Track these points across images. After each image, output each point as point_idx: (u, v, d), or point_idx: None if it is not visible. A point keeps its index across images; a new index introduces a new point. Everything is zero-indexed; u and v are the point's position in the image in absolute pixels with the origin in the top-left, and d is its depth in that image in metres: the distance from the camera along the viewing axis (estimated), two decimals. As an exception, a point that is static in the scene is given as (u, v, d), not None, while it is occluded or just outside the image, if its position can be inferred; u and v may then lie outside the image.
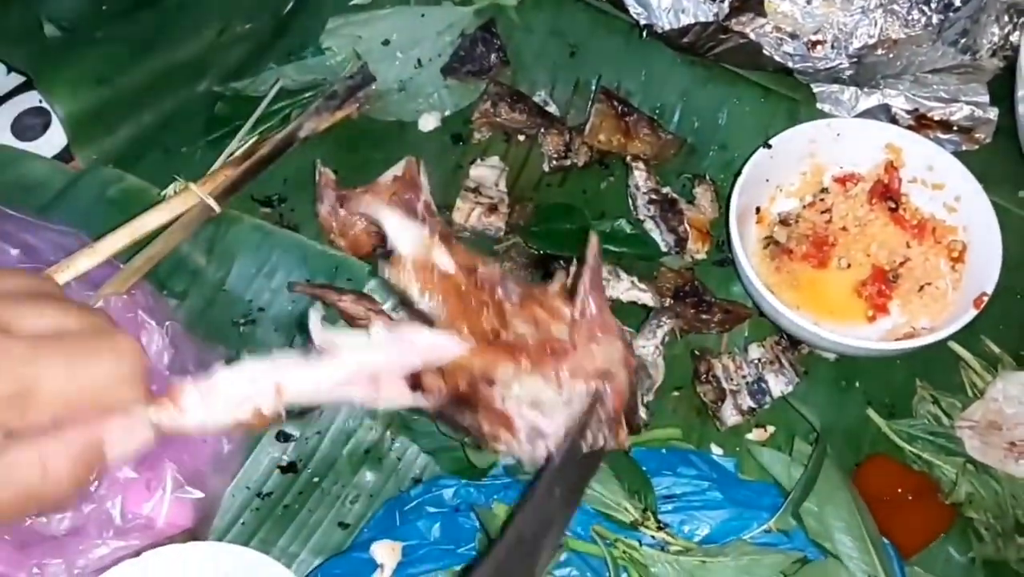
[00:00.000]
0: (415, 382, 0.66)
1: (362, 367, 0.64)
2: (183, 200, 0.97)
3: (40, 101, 1.08)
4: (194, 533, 0.82)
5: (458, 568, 0.82)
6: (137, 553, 0.75)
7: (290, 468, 0.90)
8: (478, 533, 0.84)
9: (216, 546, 0.80)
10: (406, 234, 0.69)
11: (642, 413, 0.91)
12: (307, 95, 1.10)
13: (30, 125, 1.07)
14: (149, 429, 0.56)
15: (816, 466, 0.85)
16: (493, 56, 1.11)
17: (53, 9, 1.12)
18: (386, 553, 0.82)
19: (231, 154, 1.04)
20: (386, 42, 1.12)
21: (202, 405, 0.58)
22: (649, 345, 0.95)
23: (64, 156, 1.06)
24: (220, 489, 0.86)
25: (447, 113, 1.11)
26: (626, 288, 0.97)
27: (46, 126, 1.07)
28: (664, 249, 1.01)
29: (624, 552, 0.82)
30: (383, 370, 0.65)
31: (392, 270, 0.68)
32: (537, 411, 0.68)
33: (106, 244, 0.93)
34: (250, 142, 1.06)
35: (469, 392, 0.67)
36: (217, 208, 0.98)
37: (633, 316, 0.97)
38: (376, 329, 0.64)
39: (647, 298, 0.97)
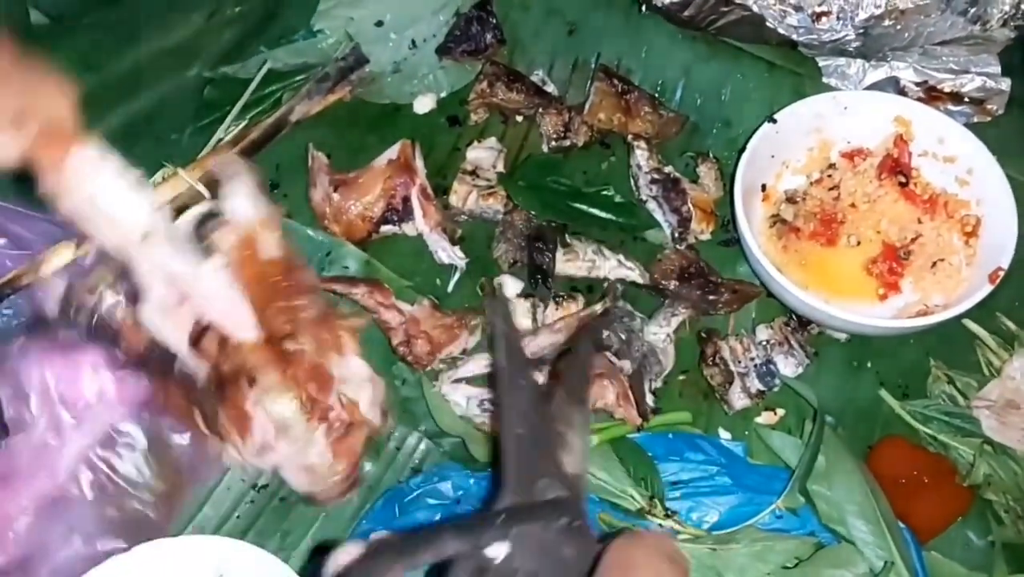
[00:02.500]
0: (197, 336, 0.67)
1: (177, 276, 0.66)
2: (172, 187, 0.95)
3: (29, 89, 1.06)
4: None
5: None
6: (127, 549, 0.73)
7: (286, 459, 0.87)
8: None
9: (212, 539, 0.78)
10: (251, 204, 0.70)
11: (650, 400, 0.88)
12: (298, 78, 1.08)
13: (18, 114, 1.05)
14: None
15: (817, 441, 0.83)
16: (489, 35, 1.08)
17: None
18: (385, 545, 0.80)
19: (221, 139, 1.01)
20: (379, 23, 1.09)
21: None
22: (661, 332, 0.92)
23: (53, 145, 1.03)
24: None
25: (443, 95, 1.08)
26: (613, 267, 0.95)
27: (34, 115, 1.05)
28: (667, 230, 0.99)
29: (631, 540, 0.79)
30: (183, 294, 0.66)
31: (219, 231, 0.69)
32: (279, 433, 0.69)
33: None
34: (240, 127, 1.04)
35: (229, 378, 0.67)
36: (207, 194, 0.95)
37: (644, 303, 0.94)
38: (213, 263, 0.66)
39: (635, 276, 0.95)
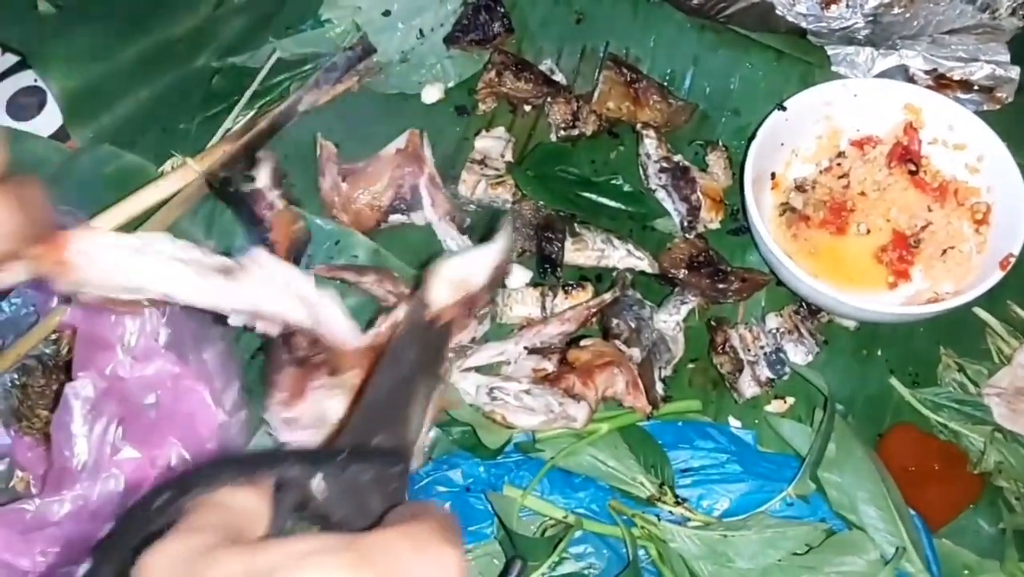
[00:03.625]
0: (287, 337, 0.68)
1: (252, 294, 0.64)
2: (181, 176, 0.95)
3: (35, 80, 1.06)
4: None
5: (468, 546, 0.80)
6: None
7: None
8: (493, 516, 0.81)
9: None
10: None
11: (659, 388, 0.88)
12: (306, 68, 1.08)
13: (26, 104, 1.05)
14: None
15: (828, 428, 0.83)
16: (497, 24, 1.08)
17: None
18: (394, 533, 0.80)
19: (229, 129, 1.01)
20: (387, 12, 1.09)
21: (89, 261, 0.58)
22: (671, 321, 0.92)
23: (60, 135, 1.03)
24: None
25: (451, 84, 1.08)
26: (622, 256, 0.95)
27: (42, 105, 1.05)
28: (676, 219, 0.99)
29: (643, 528, 0.79)
30: (267, 308, 0.65)
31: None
32: (316, 423, 0.71)
33: (102, 222, 0.91)
34: (249, 116, 1.04)
35: (312, 360, 0.69)
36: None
37: (654, 291, 0.94)
38: (306, 281, 0.66)
39: (644, 265, 0.94)
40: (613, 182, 1.00)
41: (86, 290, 0.60)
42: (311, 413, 0.70)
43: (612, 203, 1.00)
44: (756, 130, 0.95)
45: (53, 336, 0.88)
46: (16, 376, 0.88)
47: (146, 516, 0.40)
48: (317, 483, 0.44)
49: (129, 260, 0.61)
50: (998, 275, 0.87)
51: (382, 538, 0.37)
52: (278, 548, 0.36)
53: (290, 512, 0.42)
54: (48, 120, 1.04)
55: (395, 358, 0.58)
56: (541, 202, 0.98)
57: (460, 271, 0.64)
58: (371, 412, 0.54)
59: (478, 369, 0.89)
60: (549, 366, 0.88)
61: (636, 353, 0.88)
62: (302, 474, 0.43)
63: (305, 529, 0.41)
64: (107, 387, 0.79)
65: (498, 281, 0.68)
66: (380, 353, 0.67)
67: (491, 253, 0.66)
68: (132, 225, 0.92)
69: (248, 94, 1.04)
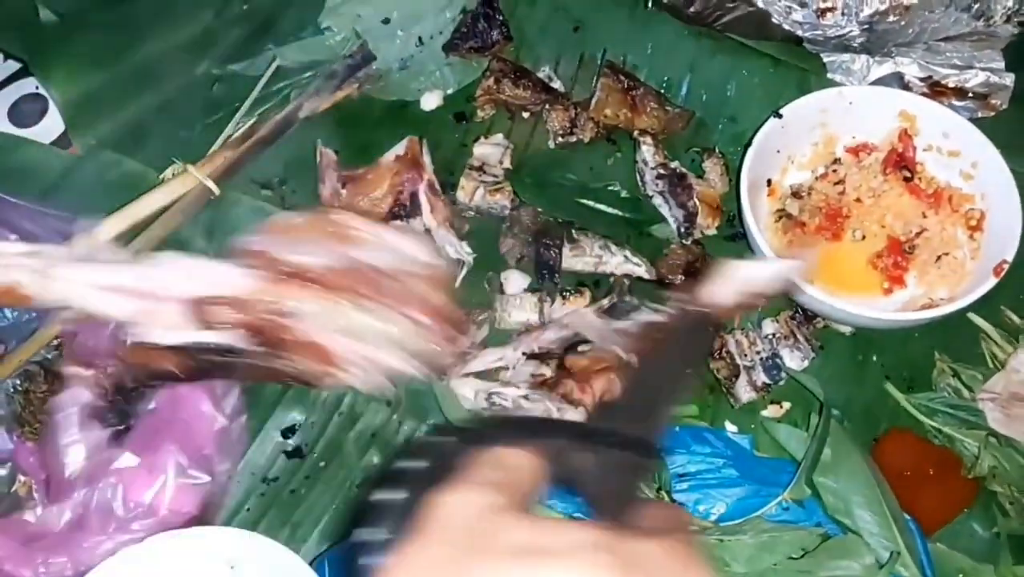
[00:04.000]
0: (201, 315, 0.68)
1: (137, 281, 0.67)
2: (182, 182, 0.96)
3: (37, 87, 1.07)
4: (200, 520, 0.80)
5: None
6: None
7: (296, 453, 0.88)
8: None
9: (224, 531, 0.78)
10: None
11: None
12: (306, 75, 1.08)
13: (27, 111, 1.06)
14: None
15: (823, 432, 0.83)
16: (496, 32, 1.08)
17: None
18: (395, 536, 0.81)
19: (230, 136, 1.02)
20: (386, 20, 1.10)
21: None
22: None
23: (62, 142, 1.04)
24: (227, 473, 0.85)
25: (449, 91, 1.09)
26: (619, 262, 0.96)
27: (43, 112, 1.06)
28: (673, 225, 0.99)
29: (639, 532, 0.80)
30: (159, 290, 0.67)
31: None
32: (352, 337, 0.70)
33: (104, 229, 0.91)
34: (249, 123, 1.04)
35: (267, 327, 0.68)
36: (216, 190, 0.96)
37: (652, 297, 0.94)
38: (163, 255, 0.67)
39: (641, 271, 0.95)
40: (610, 188, 1.01)
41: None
42: (340, 343, 0.72)
43: (609, 209, 1.01)
44: (752, 137, 0.96)
45: (55, 342, 0.89)
46: (19, 382, 0.88)
47: (431, 452, 0.42)
48: (582, 457, 0.45)
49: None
50: (992, 281, 0.88)
51: (648, 548, 0.38)
52: (556, 531, 0.37)
53: (553, 480, 0.43)
54: (50, 127, 1.05)
55: (670, 351, 0.59)
56: (539, 208, 0.99)
57: (749, 277, 0.63)
58: (640, 401, 0.54)
59: (477, 374, 0.89)
60: (547, 371, 0.89)
61: (634, 359, 0.89)
62: (570, 445, 0.45)
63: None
64: (103, 394, 0.79)
65: (776, 296, 0.69)
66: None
67: (784, 268, 0.68)
68: (133, 232, 0.93)
69: (249, 101, 1.05)
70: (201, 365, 0.73)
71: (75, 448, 0.78)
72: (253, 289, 0.69)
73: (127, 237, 0.92)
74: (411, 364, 0.74)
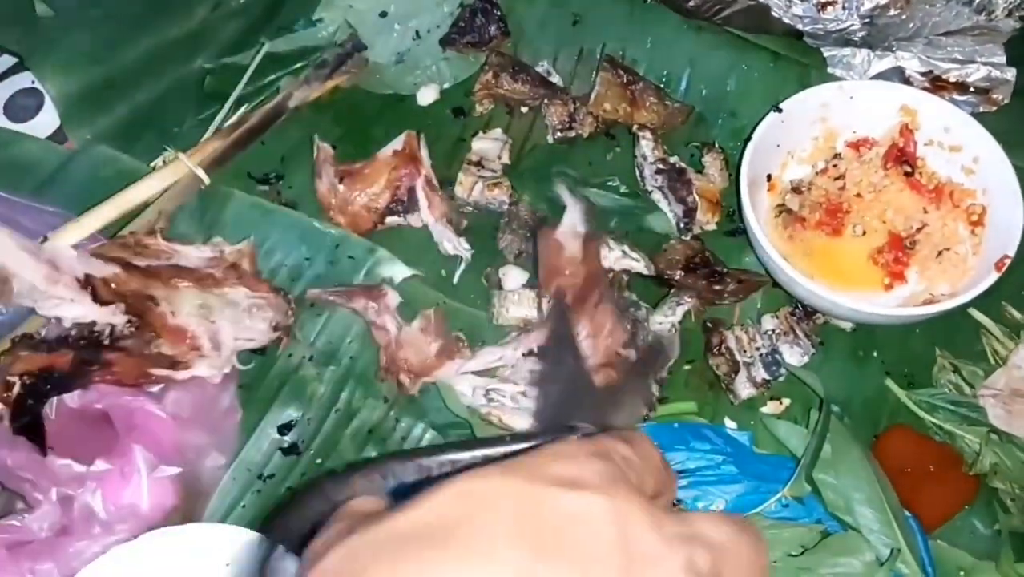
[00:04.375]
0: (95, 294, 0.78)
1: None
2: (172, 171, 0.95)
3: (33, 82, 1.06)
4: (184, 512, 0.80)
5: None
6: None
7: (292, 450, 0.88)
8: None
9: (219, 528, 0.78)
10: None
11: (655, 390, 0.88)
12: (296, 65, 1.08)
13: (23, 106, 1.05)
14: None
15: (823, 429, 0.83)
16: (493, 27, 1.08)
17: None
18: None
19: (220, 126, 1.01)
20: (383, 14, 1.09)
21: None
22: (666, 322, 0.92)
23: (58, 137, 1.03)
24: (204, 460, 0.84)
25: (446, 86, 1.08)
26: (617, 257, 0.95)
27: (39, 107, 1.05)
28: (672, 220, 0.99)
29: (637, 529, 0.79)
30: (61, 260, 0.77)
31: None
32: (211, 317, 0.83)
33: (93, 217, 0.91)
34: (239, 112, 1.04)
35: (140, 309, 0.79)
36: (206, 179, 0.96)
37: (650, 293, 0.94)
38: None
39: (640, 267, 0.94)
40: (609, 183, 1.01)
41: None
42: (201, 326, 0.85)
43: (608, 204, 1.00)
44: (752, 132, 0.95)
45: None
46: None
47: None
48: None
49: None
50: (993, 277, 0.88)
51: (605, 439, 0.38)
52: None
53: None
54: (46, 121, 1.04)
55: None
56: (536, 205, 0.98)
57: None
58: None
59: (475, 372, 0.89)
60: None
61: (632, 354, 0.89)
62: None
63: None
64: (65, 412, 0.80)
65: None
66: None
67: None
68: (123, 221, 0.92)
69: (238, 89, 1.04)
70: (82, 359, 0.78)
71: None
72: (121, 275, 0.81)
73: (117, 226, 0.92)
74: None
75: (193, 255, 0.89)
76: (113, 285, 0.81)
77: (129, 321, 0.80)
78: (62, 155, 1.01)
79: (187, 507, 0.79)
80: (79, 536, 0.73)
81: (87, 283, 0.78)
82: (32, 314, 0.86)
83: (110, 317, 0.79)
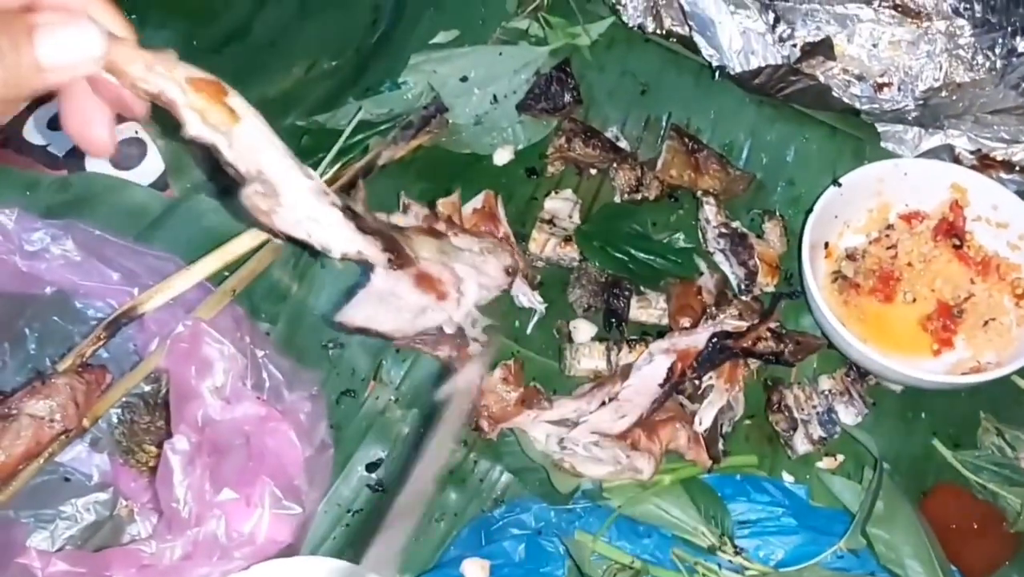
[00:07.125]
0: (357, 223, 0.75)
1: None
2: (272, 227, 1.02)
3: (136, 132, 1.13)
4: (292, 549, 0.86)
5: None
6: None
7: (379, 487, 0.94)
8: (564, 559, 0.87)
9: (320, 561, 0.84)
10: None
11: (720, 444, 0.94)
12: (384, 126, 1.15)
13: (128, 155, 1.12)
14: (97, 41, 0.53)
15: (877, 487, 0.88)
16: (567, 95, 1.14)
17: (146, 47, 1.16)
18: (476, 571, 0.86)
19: (318, 184, 1.08)
20: (464, 79, 1.16)
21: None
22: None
23: (160, 184, 1.11)
24: (315, 504, 0.90)
25: (520, 147, 1.15)
26: (659, 315, 1.02)
27: (142, 156, 1.12)
28: (734, 282, 1.05)
29: (704, 575, 0.85)
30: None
31: None
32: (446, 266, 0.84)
33: (199, 268, 0.98)
34: (333, 171, 1.11)
35: (395, 246, 0.78)
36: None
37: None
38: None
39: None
40: (672, 236, 1.07)
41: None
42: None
43: (663, 265, 1.05)
44: (811, 201, 1.02)
45: (153, 376, 0.95)
46: (121, 413, 0.95)
47: None
48: None
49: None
50: (1037, 348, 0.94)
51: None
52: None
53: None
54: (148, 169, 1.12)
55: None
56: (600, 265, 1.04)
57: None
58: None
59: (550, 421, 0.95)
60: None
61: (698, 409, 0.95)
62: None
63: None
64: (200, 438, 0.85)
65: None
66: None
67: None
68: (225, 271, 0.99)
69: (335, 150, 1.11)
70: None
71: (181, 491, 0.83)
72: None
73: (219, 277, 0.99)
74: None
75: (402, 221, 0.88)
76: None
77: (389, 260, 0.77)
78: (165, 202, 1.08)
79: (295, 546, 0.85)
80: (201, 562, 0.79)
81: (348, 212, 0.74)
82: (139, 363, 0.94)
83: (372, 249, 0.75)
